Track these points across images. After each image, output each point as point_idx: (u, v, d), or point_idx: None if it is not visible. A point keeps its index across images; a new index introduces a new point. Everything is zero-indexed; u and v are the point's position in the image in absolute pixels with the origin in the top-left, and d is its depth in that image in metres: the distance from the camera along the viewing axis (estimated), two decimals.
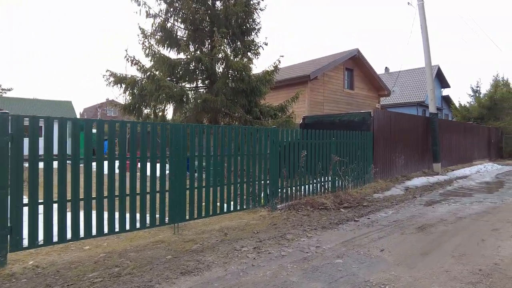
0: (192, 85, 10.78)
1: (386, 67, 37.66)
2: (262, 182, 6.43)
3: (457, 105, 25.49)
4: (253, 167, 6.26)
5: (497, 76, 24.38)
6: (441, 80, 34.79)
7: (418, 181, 10.45)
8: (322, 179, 7.78)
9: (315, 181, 7.56)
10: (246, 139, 6.20)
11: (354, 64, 18.26)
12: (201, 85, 10.88)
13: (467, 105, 25.16)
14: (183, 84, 10.41)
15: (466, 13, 47.69)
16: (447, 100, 35.26)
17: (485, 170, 14.39)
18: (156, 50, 9.78)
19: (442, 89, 35.98)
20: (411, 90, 32.22)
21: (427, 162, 13.03)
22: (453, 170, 13.75)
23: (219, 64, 9.98)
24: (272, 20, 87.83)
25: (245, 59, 9.93)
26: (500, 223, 5.46)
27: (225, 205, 5.77)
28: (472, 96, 24.30)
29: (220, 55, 9.61)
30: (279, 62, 10.20)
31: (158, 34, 10.31)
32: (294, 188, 7.11)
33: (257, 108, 10.57)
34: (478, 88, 23.92)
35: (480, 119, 22.76)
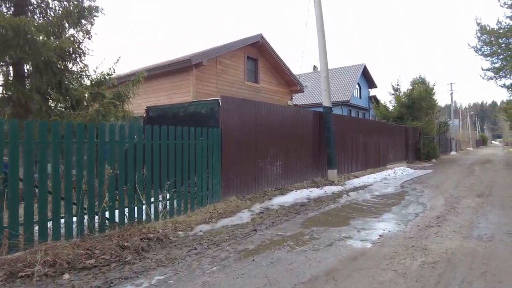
0: None
1: (314, 66, 36.12)
2: None
3: (387, 104, 24.15)
4: None
5: (419, 76, 23.40)
6: (368, 79, 33.99)
7: (293, 196, 7.67)
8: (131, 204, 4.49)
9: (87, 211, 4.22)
10: None
11: (259, 53, 15.44)
12: None
13: (389, 104, 23.91)
14: None
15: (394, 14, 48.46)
16: (376, 101, 34.49)
17: (393, 176, 12.31)
18: None
19: (369, 89, 35.29)
20: (336, 89, 30.77)
21: (323, 168, 10.47)
22: (355, 177, 11.41)
23: None
24: None
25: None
26: None
27: None
28: (392, 94, 23.04)
29: None
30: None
31: None
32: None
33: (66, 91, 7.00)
34: (399, 87, 22.72)
35: (399, 119, 21.44)
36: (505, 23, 20.34)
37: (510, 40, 20.72)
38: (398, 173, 13.08)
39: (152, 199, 5.26)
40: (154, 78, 13.04)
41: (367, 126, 14.51)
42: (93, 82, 7.29)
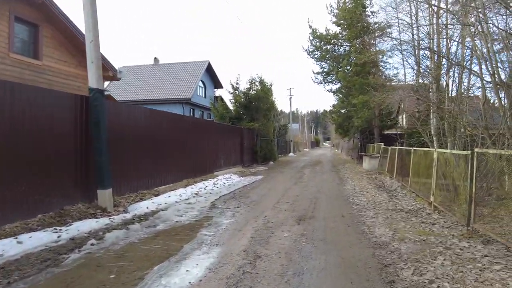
0: None
1: (155, 58, 31.86)
2: None
3: (229, 105, 21.88)
4: None
5: (257, 75, 22.27)
6: (214, 79, 31.97)
7: None
8: None
9: None
10: None
11: (43, 17, 10.14)
12: None
13: (230, 104, 21.91)
14: None
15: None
16: (222, 101, 32.64)
17: (210, 189, 9.46)
18: None
19: (216, 89, 33.40)
20: (175, 85, 27.39)
21: (90, 188, 6.52)
22: (154, 196, 7.96)
23: None
24: None
25: None
26: None
27: None
28: (231, 93, 21.15)
29: None
30: None
31: None
32: None
33: None
34: (238, 85, 20.97)
35: (238, 119, 19.59)
36: (332, 30, 21.23)
37: (335, 48, 21.78)
38: (220, 183, 10.41)
39: None
40: None
41: (187, 125, 11.38)
42: None
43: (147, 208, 6.81)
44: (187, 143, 11.00)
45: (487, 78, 7.48)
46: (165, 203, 7.42)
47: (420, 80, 16.75)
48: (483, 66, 7.97)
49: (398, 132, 20.56)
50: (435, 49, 11.38)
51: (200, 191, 9.07)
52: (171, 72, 29.47)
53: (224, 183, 10.66)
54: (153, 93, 26.61)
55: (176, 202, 7.62)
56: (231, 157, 15.65)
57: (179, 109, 25.26)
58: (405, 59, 15.73)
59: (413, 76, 17.46)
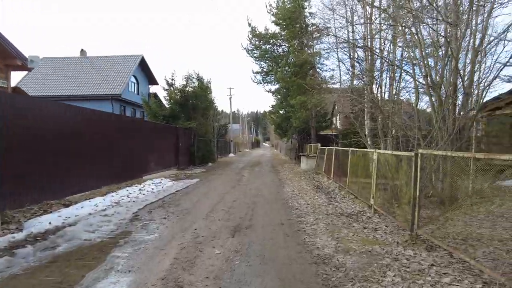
0: None
1: (82, 49, 28.77)
2: None
3: (165, 103, 20.23)
4: None
5: (194, 71, 21.08)
6: (148, 74, 29.88)
7: None
8: None
9: None
10: None
11: None
12: None
13: (166, 102, 20.39)
14: None
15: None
16: (157, 98, 30.66)
17: (134, 197, 8.28)
18: None
19: (151, 86, 31.29)
20: (106, 80, 24.94)
21: None
22: (64, 207, 6.59)
23: None
24: None
25: None
26: None
27: None
28: (166, 90, 19.71)
29: None
30: None
31: None
32: None
33: None
34: (173, 81, 19.60)
35: (173, 118, 18.23)
36: (271, 30, 20.98)
37: (274, 48, 21.61)
38: (148, 190, 9.24)
39: None
40: None
41: (111, 123, 9.94)
42: None
43: (50, 223, 5.51)
44: (113, 144, 9.60)
45: (421, 80, 7.58)
46: (76, 215, 6.13)
47: (355, 82, 17.34)
48: (416, 69, 8.12)
49: (334, 133, 21.14)
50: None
51: (122, 199, 7.84)
52: (100, 66, 26.79)
53: (153, 189, 9.50)
54: (79, 88, 23.80)
55: (90, 214, 6.37)
56: (165, 159, 14.38)
57: (107, 106, 22.93)
58: (341, 61, 15.97)
59: (348, 77, 18.04)
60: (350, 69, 17.28)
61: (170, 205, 7.48)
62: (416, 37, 7.39)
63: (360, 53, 13.57)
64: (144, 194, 8.76)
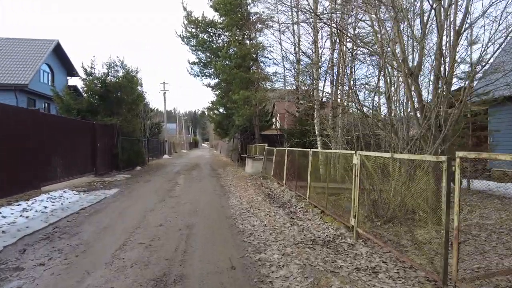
0: None
1: None
2: None
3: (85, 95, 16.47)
4: None
5: (118, 58, 17.75)
6: (66, 64, 25.37)
7: None
8: None
9: None
10: None
11: None
12: None
13: (86, 95, 16.76)
14: None
15: None
16: (77, 91, 26.19)
17: (11, 221, 5.46)
18: None
19: (70, 77, 26.69)
20: (9, 67, 20.30)
21: None
22: None
23: None
24: None
25: None
26: None
27: None
28: (84, 80, 16.22)
29: None
30: None
31: None
32: None
33: None
34: (93, 70, 16.20)
35: (91, 112, 14.91)
36: (209, 17, 18.69)
37: (213, 38, 19.38)
38: (37, 209, 6.41)
39: None
40: None
41: None
42: None
43: None
44: None
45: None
46: None
47: (301, 78, 15.96)
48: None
49: (279, 133, 19.69)
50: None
51: None
52: (2, 49, 21.85)
53: (45, 207, 6.66)
54: None
55: None
56: (76, 163, 11.27)
57: (10, 98, 18.51)
58: (284, 56, 14.38)
59: (293, 71, 16.65)
60: (295, 65, 15.93)
61: (62, 236, 4.90)
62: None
63: (308, 43, 12.13)
64: (27, 217, 5.94)
